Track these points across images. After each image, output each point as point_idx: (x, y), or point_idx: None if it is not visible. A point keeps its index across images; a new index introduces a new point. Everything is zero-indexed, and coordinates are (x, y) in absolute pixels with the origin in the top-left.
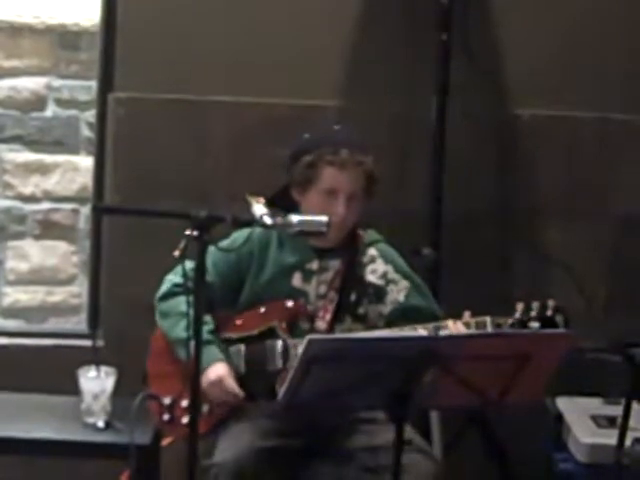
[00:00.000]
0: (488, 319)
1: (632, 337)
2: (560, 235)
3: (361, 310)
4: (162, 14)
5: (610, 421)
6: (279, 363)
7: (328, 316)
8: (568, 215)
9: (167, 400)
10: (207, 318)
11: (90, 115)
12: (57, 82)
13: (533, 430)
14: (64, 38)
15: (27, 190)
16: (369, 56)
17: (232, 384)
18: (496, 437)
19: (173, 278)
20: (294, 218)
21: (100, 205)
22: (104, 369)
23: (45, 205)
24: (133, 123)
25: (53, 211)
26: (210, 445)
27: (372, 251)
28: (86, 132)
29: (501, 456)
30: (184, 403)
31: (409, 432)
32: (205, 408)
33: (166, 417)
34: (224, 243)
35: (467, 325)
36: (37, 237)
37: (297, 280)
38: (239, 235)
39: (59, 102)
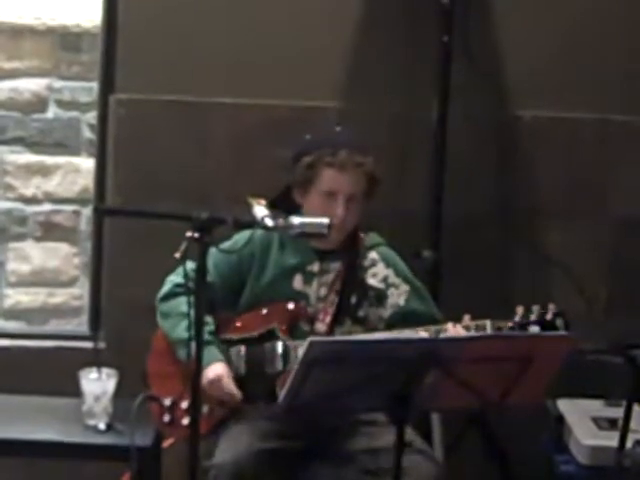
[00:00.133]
0: (488, 322)
1: (633, 338)
2: (560, 236)
3: (361, 313)
4: (163, 16)
5: (611, 423)
6: (279, 365)
7: (328, 318)
8: (568, 216)
9: (167, 401)
10: (208, 319)
11: (91, 116)
12: (58, 83)
13: (534, 432)
14: (65, 39)
15: (28, 192)
16: (370, 57)
17: (230, 384)
18: (497, 439)
19: (174, 279)
20: (295, 220)
21: (101, 207)
22: (105, 371)
23: (46, 207)
24: (134, 124)
25: (54, 213)
26: (211, 446)
27: (373, 254)
28: (87, 133)
29: (502, 458)
30: (184, 404)
31: (410, 434)
32: (205, 409)
33: (166, 418)
34: (225, 245)
35: (467, 328)
36: (38, 239)
37: (298, 282)
38: (240, 237)
39: (60, 103)
